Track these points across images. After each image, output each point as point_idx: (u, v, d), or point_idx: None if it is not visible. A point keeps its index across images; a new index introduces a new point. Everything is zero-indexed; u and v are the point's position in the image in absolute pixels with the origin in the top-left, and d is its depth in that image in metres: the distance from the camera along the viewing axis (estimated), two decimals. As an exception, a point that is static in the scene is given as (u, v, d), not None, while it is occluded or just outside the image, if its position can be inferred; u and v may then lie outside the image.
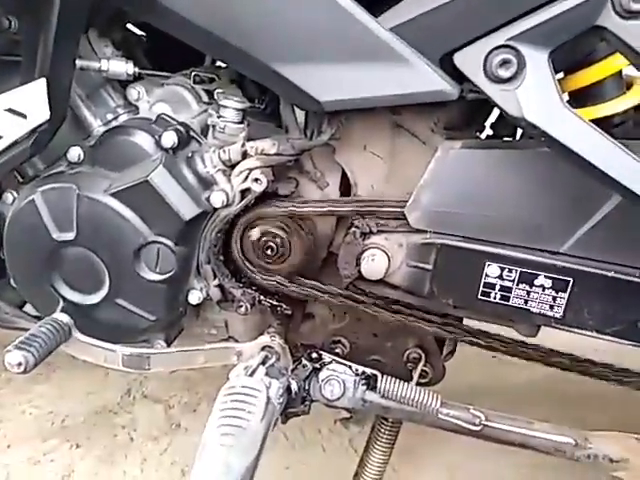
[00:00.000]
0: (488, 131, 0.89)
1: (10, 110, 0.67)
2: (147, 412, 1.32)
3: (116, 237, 0.73)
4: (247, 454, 0.55)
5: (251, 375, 0.66)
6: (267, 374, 0.68)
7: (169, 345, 0.85)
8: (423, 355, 0.89)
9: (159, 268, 0.74)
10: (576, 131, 0.59)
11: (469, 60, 0.61)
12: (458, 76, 0.63)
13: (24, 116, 0.67)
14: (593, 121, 0.70)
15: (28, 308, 0.89)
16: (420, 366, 0.88)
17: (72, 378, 1.38)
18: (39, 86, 0.66)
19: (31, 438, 1.23)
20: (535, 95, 0.59)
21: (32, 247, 0.77)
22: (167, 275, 0.75)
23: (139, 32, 0.99)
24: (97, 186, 0.73)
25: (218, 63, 0.93)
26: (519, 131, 0.88)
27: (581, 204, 0.67)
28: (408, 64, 0.63)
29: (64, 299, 0.79)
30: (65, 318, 0.74)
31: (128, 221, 0.72)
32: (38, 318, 0.86)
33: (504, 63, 0.59)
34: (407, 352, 0.89)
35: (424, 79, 0.63)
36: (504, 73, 0.59)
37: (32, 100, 0.67)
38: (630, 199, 0.59)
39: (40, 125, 0.68)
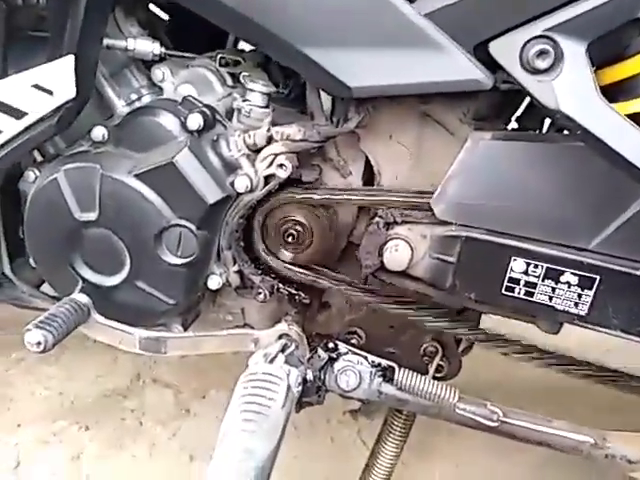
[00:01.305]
0: (513, 124, 0.88)
1: (37, 86, 0.66)
2: (156, 397, 1.33)
3: (138, 219, 0.72)
4: (269, 440, 0.55)
5: (271, 362, 0.65)
6: (286, 362, 0.68)
7: (186, 329, 0.84)
8: (440, 349, 0.88)
9: (180, 252, 0.74)
10: (612, 125, 0.58)
11: (505, 50, 0.60)
12: (492, 65, 0.62)
13: (50, 93, 0.67)
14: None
15: (45, 288, 0.88)
16: (437, 360, 0.88)
17: (82, 360, 1.38)
18: (66, 63, 0.66)
19: (40, 419, 1.24)
20: (572, 87, 0.58)
21: (53, 226, 0.76)
22: (188, 259, 0.74)
23: (162, 14, 0.98)
24: (121, 167, 0.72)
25: (243, 46, 0.92)
26: (545, 126, 0.87)
27: (611, 200, 0.65)
28: (442, 51, 0.62)
29: (84, 280, 0.78)
30: (84, 299, 0.74)
31: (151, 203, 0.71)
32: (55, 298, 0.85)
33: (541, 54, 0.58)
34: (424, 345, 0.89)
35: (458, 67, 0.62)
36: (541, 64, 0.58)
37: (59, 77, 0.66)
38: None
39: (66, 102, 0.68)
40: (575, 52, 0.58)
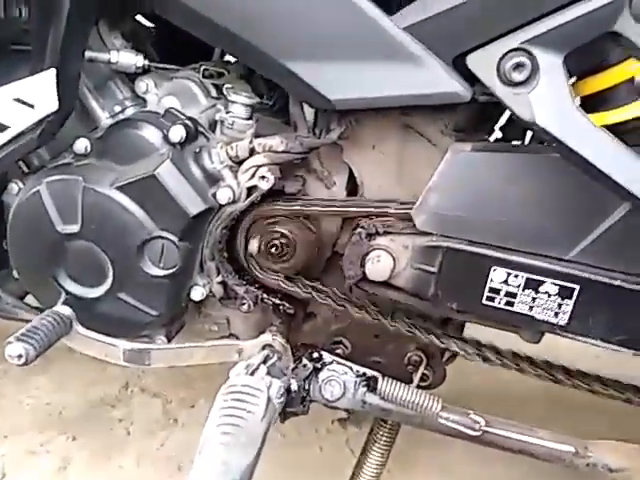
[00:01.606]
0: (497, 134, 0.89)
1: (18, 100, 0.67)
2: (145, 406, 1.32)
3: (121, 231, 0.73)
4: (246, 453, 0.55)
5: (252, 374, 0.65)
6: (268, 373, 0.68)
7: (170, 341, 0.84)
8: (424, 358, 0.88)
9: (163, 263, 0.74)
10: (588, 137, 0.58)
11: (482, 62, 0.60)
12: (470, 78, 0.62)
13: (32, 106, 0.67)
14: (605, 127, 0.71)
15: (29, 299, 0.88)
16: (421, 369, 0.88)
17: (70, 370, 1.37)
18: (48, 77, 0.66)
19: (28, 429, 1.23)
20: (548, 99, 0.59)
21: (36, 238, 0.76)
22: (171, 270, 0.74)
23: (148, 24, 0.99)
24: (103, 179, 0.72)
25: (227, 58, 0.93)
26: (528, 135, 0.88)
27: (590, 211, 0.66)
28: (421, 64, 0.62)
29: (66, 292, 0.78)
30: (67, 311, 0.73)
31: (133, 215, 0.71)
32: (39, 309, 0.85)
33: (518, 66, 0.59)
34: (408, 355, 0.89)
35: (437, 80, 0.63)
36: (517, 76, 0.59)
37: (41, 90, 0.66)
38: (638, 207, 0.58)
39: (48, 116, 0.68)
40: (551, 64, 0.59)
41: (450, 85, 0.62)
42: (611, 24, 0.56)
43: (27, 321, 0.74)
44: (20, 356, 0.67)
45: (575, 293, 0.68)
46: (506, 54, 0.59)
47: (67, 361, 1.36)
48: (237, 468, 0.53)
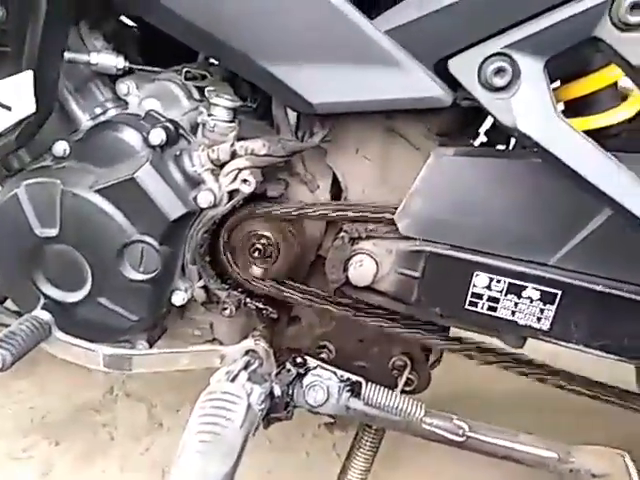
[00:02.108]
0: (482, 138, 0.89)
1: (-6, 102, 0.66)
2: (129, 411, 1.30)
3: (100, 235, 0.72)
4: (225, 461, 0.54)
5: (232, 380, 0.65)
6: (249, 379, 0.67)
7: (152, 346, 0.83)
8: (409, 362, 0.88)
9: (143, 267, 0.73)
10: (569, 143, 0.58)
11: (464, 67, 0.60)
12: (452, 82, 0.62)
13: (9, 108, 0.66)
14: (588, 132, 0.70)
15: (9, 303, 0.87)
16: (405, 374, 0.88)
17: (54, 374, 1.36)
18: (25, 78, 0.65)
19: (10, 434, 1.21)
20: (529, 105, 0.59)
21: (14, 242, 0.75)
22: (151, 275, 0.74)
23: (132, 24, 0.98)
24: (82, 182, 0.71)
25: (211, 60, 0.92)
26: (513, 140, 0.88)
27: (572, 217, 0.66)
28: (402, 69, 0.62)
29: (45, 296, 0.77)
30: (46, 316, 0.73)
31: (112, 219, 0.71)
32: (18, 314, 0.84)
33: (499, 71, 0.58)
34: (393, 359, 0.88)
35: (418, 85, 0.62)
36: (499, 81, 0.58)
37: (18, 92, 0.66)
38: (620, 213, 0.58)
39: (26, 118, 0.67)
40: (533, 70, 0.59)
41: (431, 89, 0.62)
42: (591, 30, 0.56)
43: (6, 325, 0.73)
44: (-4, 362, 0.66)
45: (557, 298, 0.68)
46: (487, 59, 0.59)
47: (51, 365, 1.34)
48: (215, 476, 0.53)
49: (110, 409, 1.30)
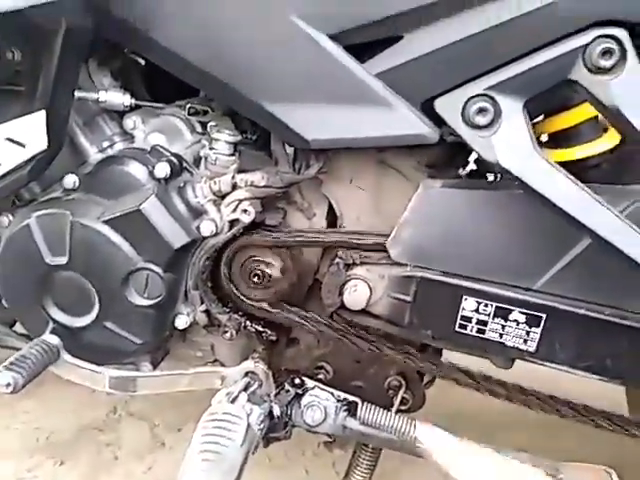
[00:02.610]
0: (472, 166, 0.93)
1: (9, 139, 0.70)
2: (132, 430, 1.33)
3: (107, 263, 0.75)
4: (226, 479, 0.57)
5: (233, 401, 0.68)
6: (249, 400, 0.70)
7: (155, 368, 0.86)
8: (404, 383, 0.91)
9: (147, 293, 0.77)
10: (547, 177, 0.62)
11: (448, 106, 0.64)
12: (438, 121, 0.66)
13: (23, 145, 0.70)
14: (571, 162, 0.74)
15: (18, 327, 0.90)
16: (401, 393, 0.91)
17: (58, 395, 1.38)
18: (38, 117, 0.69)
19: (16, 453, 1.24)
20: (509, 142, 0.63)
21: (25, 269, 0.79)
22: (155, 300, 0.77)
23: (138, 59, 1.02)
24: (90, 213, 0.75)
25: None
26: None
27: (554, 244, 0.70)
28: (391, 108, 0.66)
29: (54, 321, 0.80)
30: (54, 340, 0.76)
31: (119, 248, 0.74)
32: (27, 337, 0.87)
33: (481, 111, 0.62)
34: (388, 379, 0.91)
35: (406, 123, 0.66)
36: (481, 120, 0.63)
37: (31, 130, 0.70)
38: (597, 241, 0.62)
39: (38, 154, 0.71)
40: (513, 109, 0.63)
41: (418, 127, 0.66)
42: (567, 73, 0.60)
43: (16, 349, 0.76)
44: (9, 385, 0.69)
45: (542, 321, 0.71)
46: (470, 99, 0.63)
47: (56, 385, 1.37)
48: (216, 494, 0.56)
49: (113, 429, 1.33)
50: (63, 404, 1.37)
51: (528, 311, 0.71)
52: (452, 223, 0.72)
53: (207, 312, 0.84)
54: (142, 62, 1.02)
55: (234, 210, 0.77)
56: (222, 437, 0.61)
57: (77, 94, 0.77)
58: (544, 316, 0.71)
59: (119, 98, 0.80)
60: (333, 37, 0.65)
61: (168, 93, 0.90)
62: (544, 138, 0.81)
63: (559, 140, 0.79)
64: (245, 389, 0.72)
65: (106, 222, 0.74)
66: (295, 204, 0.84)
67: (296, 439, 0.90)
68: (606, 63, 0.59)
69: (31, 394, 1.38)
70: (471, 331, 0.74)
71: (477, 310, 0.73)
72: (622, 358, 0.71)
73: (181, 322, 0.82)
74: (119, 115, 0.85)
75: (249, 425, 0.65)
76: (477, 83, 0.63)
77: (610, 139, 0.78)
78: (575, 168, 0.67)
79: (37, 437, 1.29)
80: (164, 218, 0.74)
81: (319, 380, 0.89)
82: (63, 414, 1.35)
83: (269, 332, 0.87)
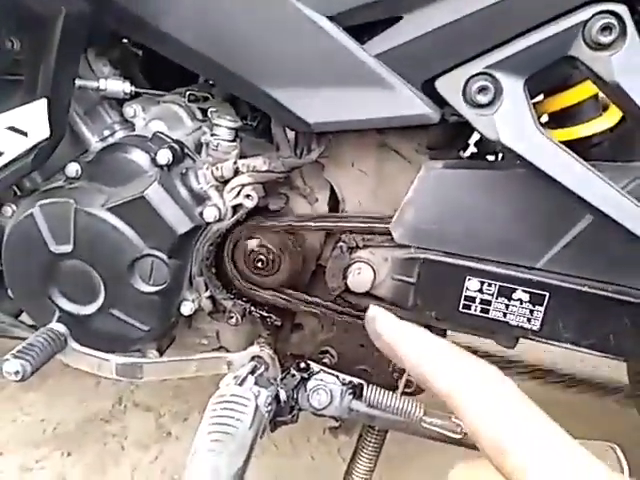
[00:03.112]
0: (472, 149, 0.93)
1: (12, 128, 0.70)
2: (138, 420, 1.34)
3: (112, 250, 0.76)
4: (236, 459, 0.58)
5: (240, 384, 0.68)
6: (256, 383, 0.71)
7: (161, 354, 0.87)
8: (408, 365, 0.91)
9: (153, 280, 0.77)
10: (549, 154, 0.62)
11: (449, 86, 0.64)
12: (440, 100, 0.66)
13: (25, 134, 0.70)
14: (572, 141, 0.75)
15: (24, 317, 0.91)
16: (405, 376, 0.91)
17: (63, 386, 1.39)
18: (40, 106, 0.69)
19: (22, 446, 1.25)
20: (511, 120, 0.63)
21: (30, 259, 0.79)
22: (160, 287, 0.77)
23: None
24: (94, 201, 0.75)
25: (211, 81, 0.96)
26: (500, 150, 0.92)
27: (556, 222, 0.70)
28: (392, 89, 0.66)
29: (60, 309, 0.81)
30: (61, 328, 0.76)
31: (123, 235, 0.75)
32: (34, 327, 0.88)
33: (482, 89, 0.63)
34: (392, 362, 0.92)
35: (407, 103, 0.66)
36: (482, 99, 0.63)
37: (33, 119, 0.70)
38: (599, 218, 0.62)
39: (40, 142, 0.71)
40: (513, 87, 0.63)
41: (420, 108, 0.66)
42: (567, 50, 0.61)
43: (22, 339, 0.76)
44: (17, 372, 0.69)
45: (545, 300, 0.72)
46: (471, 78, 0.63)
47: (60, 377, 1.38)
48: (227, 473, 0.56)
49: (119, 419, 1.34)
50: (68, 396, 1.38)
51: (531, 290, 0.72)
52: (455, 204, 0.72)
53: (212, 298, 0.85)
54: (140, 53, 1.03)
55: (237, 195, 0.77)
56: (231, 418, 0.61)
57: (78, 82, 0.77)
58: (547, 294, 0.71)
59: (119, 86, 0.80)
60: (333, 18, 0.65)
61: (167, 82, 0.90)
62: (545, 118, 0.81)
63: (560, 120, 0.79)
64: (252, 372, 0.72)
65: (110, 209, 0.75)
66: (297, 189, 0.84)
67: (301, 426, 0.91)
68: (606, 39, 0.59)
69: (36, 387, 1.39)
70: (475, 311, 0.75)
71: (481, 290, 0.73)
72: (626, 335, 0.71)
73: (186, 308, 0.83)
74: (119, 103, 0.85)
75: (257, 406, 0.65)
76: (477, 62, 0.63)
77: (610, 117, 0.78)
78: (576, 147, 0.67)
79: (43, 429, 1.30)
80: (167, 204, 0.75)
81: (324, 364, 0.90)
82: (69, 406, 1.36)
83: (274, 317, 0.87)
